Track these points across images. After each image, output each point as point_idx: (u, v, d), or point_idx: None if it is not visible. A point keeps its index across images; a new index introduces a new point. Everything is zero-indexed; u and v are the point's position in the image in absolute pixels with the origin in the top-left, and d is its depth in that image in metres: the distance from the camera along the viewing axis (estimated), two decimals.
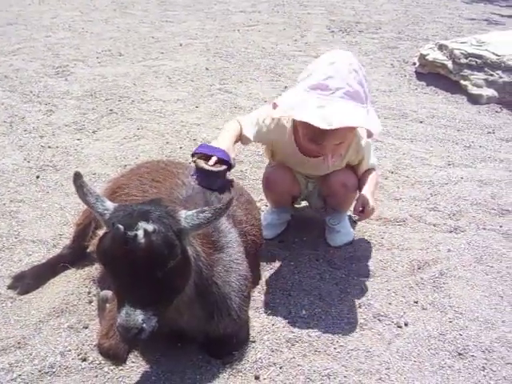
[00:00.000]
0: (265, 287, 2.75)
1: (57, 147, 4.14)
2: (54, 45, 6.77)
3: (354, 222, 3.26)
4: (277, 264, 2.94)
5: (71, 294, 2.62)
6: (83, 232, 2.75)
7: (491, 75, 5.36)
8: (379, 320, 2.55)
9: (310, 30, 7.83)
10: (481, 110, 5.13)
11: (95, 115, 4.74)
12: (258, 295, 2.69)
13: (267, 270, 2.88)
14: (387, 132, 4.54)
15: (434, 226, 3.30)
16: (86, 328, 2.42)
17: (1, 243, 2.99)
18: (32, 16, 8.29)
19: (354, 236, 3.16)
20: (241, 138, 2.80)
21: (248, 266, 2.32)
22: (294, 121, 2.70)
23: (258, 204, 3.27)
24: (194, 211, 1.88)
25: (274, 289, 2.74)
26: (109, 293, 2.27)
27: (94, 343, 2.29)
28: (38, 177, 3.70)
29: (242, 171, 3.84)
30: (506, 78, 5.28)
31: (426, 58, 5.88)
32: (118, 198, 2.52)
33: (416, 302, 2.67)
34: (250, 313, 2.49)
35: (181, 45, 6.94)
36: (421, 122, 4.82)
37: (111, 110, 4.84)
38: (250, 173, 3.84)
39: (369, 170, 2.94)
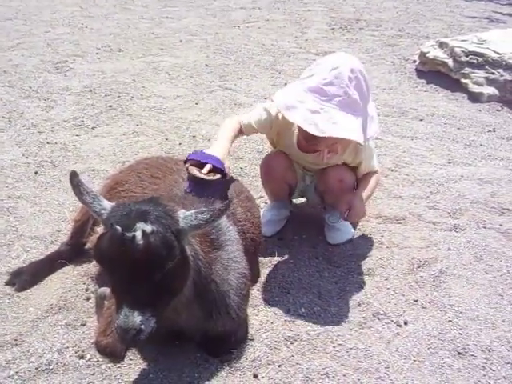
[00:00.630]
0: (263, 285, 2.74)
1: (55, 143, 4.12)
2: (53, 40, 6.74)
3: None
4: (276, 262, 2.93)
5: (69, 291, 2.61)
6: (81, 228, 2.74)
7: (492, 73, 5.35)
8: (378, 319, 2.54)
9: (311, 27, 7.81)
10: (481, 108, 5.11)
11: (94, 111, 4.72)
12: (257, 293, 2.68)
13: (266, 268, 2.87)
14: (387, 130, 4.52)
15: (434, 224, 3.29)
16: (84, 325, 2.41)
17: None
18: (31, 11, 8.26)
19: (354, 234, 3.15)
20: (244, 129, 2.82)
21: (247, 264, 2.31)
22: None
23: (258, 201, 3.25)
24: (192, 211, 1.87)
25: (272, 286, 2.73)
26: (107, 290, 2.26)
27: (92, 340, 2.28)
28: (36, 173, 3.68)
29: (241, 168, 3.83)
30: (506, 76, 5.26)
31: (427, 55, 5.87)
32: (116, 195, 2.51)
33: (416, 301, 2.66)
34: (249, 311, 2.48)
35: (181, 41, 6.92)
36: (421, 120, 4.81)
37: (110, 106, 4.82)
38: (249, 170, 3.83)
39: (369, 173, 2.94)
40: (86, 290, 2.62)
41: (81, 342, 2.31)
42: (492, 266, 2.93)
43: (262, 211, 3.13)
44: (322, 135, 2.37)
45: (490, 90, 5.26)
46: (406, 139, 4.44)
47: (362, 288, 2.75)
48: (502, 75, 5.29)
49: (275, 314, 2.55)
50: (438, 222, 3.31)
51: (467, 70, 5.46)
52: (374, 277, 2.83)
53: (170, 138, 4.28)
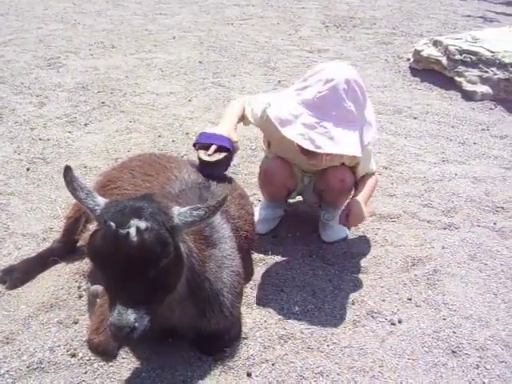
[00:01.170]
0: (257, 283, 2.73)
1: (48, 139, 4.09)
2: (45, 36, 6.69)
3: None
4: (269, 260, 2.91)
5: (61, 289, 2.58)
6: (74, 226, 2.72)
7: (486, 72, 5.36)
8: (373, 317, 2.53)
9: (304, 24, 7.80)
10: (475, 106, 5.12)
11: (87, 108, 4.69)
12: (251, 291, 2.66)
13: (260, 266, 2.86)
14: (381, 128, 4.51)
15: (428, 222, 3.29)
16: (76, 323, 2.39)
17: None
18: (24, 7, 8.18)
19: (348, 232, 3.14)
20: (243, 119, 2.83)
21: (241, 261, 2.30)
22: None
23: (251, 199, 3.24)
24: (187, 208, 1.85)
25: (266, 285, 2.72)
26: (99, 287, 2.24)
27: (84, 339, 2.26)
28: (28, 169, 3.65)
29: (234, 166, 3.80)
30: (500, 74, 5.27)
31: (421, 53, 5.87)
32: (109, 192, 2.49)
33: (410, 299, 2.65)
34: (242, 309, 2.46)
35: (174, 38, 6.89)
36: (415, 118, 4.81)
37: (103, 103, 4.79)
38: (242, 167, 3.81)
39: (367, 175, 2.93)
40: (78, 287, 2.60)
41: (73, 341, 2.29)
42: (486, 264, 2.93)
43: (256, 209, 3.11)
44: (318, 151, 2.36)
45: (484, 89, 5.27)
46: (400, 137, 4.44)
47: (356, 286, 2.74)
48: (495, 74, 5.30)
49: (269, 312, 2.54)
50: (432, 220, 3.31)
51: (461, 68, 5.47)
52: (368, 275, 2.83)
53: (163, 134, 4.26)
